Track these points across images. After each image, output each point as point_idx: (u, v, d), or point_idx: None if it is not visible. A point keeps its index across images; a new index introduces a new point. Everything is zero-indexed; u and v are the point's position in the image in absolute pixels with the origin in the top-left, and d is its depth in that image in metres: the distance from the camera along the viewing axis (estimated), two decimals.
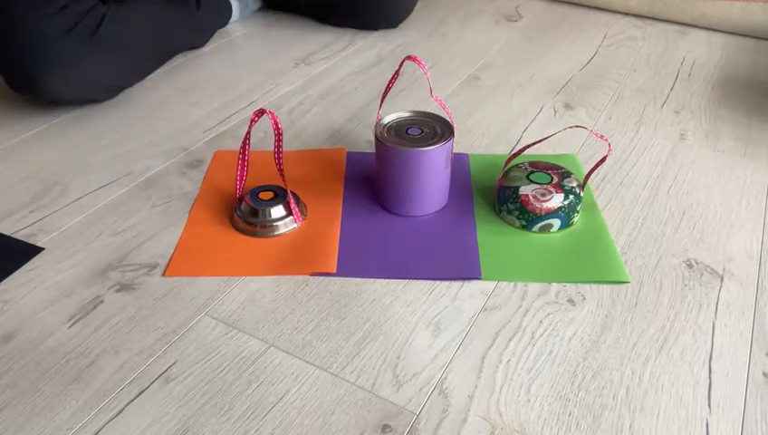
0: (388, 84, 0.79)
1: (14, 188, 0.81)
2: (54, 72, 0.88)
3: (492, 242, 0.72)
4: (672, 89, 1.06)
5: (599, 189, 0.81)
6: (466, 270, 0.68)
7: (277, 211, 0.73)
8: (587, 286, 0.67)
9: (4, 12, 0.86)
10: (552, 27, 1.29)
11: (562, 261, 0.70)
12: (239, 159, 0.74)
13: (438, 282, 0.67)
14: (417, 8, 1.35)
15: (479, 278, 0.67)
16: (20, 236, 0.73)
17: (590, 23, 1.31)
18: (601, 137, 0.69)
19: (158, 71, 1.09)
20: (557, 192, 0.72)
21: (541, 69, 1.12)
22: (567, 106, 1.00)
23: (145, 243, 0.72)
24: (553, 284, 0.67)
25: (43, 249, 0.71)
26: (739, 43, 1.23)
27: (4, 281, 0.67)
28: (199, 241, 0.72)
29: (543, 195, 0.72)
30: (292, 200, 0.74)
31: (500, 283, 0.67)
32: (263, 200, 0.74)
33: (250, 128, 0.72)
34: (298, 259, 0.70)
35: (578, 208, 0.74)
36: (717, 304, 0.65)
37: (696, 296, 0.66)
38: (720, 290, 0.67)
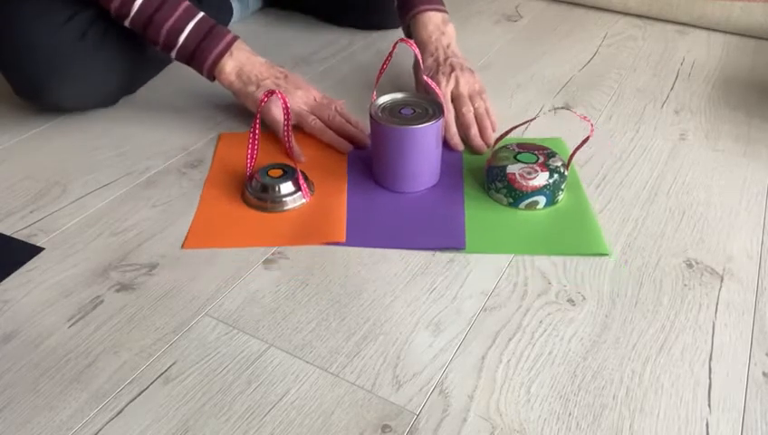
0: (382, 66, 0.81)
1: (14, 188, 0.81)
2: (64, 81, 0.89)
3: (479, 217, 0.76)
4: (672, 89, 1.06)
5: (599, 190, 0.81)
6: (452, 241, 0.72)
7: (286, 187, 0.77)
8: (587, 286, 0.67)
9: (13, 22, 0.86)
10: (551, 27, 1.29)
11: (546, 235, 0.73)
12: (249, 138, 0.77)
13: (438, 281, 0.67)
14: None
15: (463, 248, 0.71)
16: (20, 236, 0.73)
17: (590, 23, 1.31)
18: (584, 118, 0.72)
19: None
20: (542, 171, 0.76)
21: (541, 69, 1.12)
22: (567, 106, 1.00)
23: (145, 243, 0.72)
24: (553, 283, 0.67)
25: (43, 249, 0.71)
26: (739, 43, 1.23)
27: (4, 281, 0.67)
28: (214, 216, 0.76)
29: (530, 173, 0.75)
30: (300, 177, 0.77)
31: (500, 282, 0.67)
32: (273, 177, 0.77)
33: (260, 108, 0.75)
34: (309, 230, 0.74)
35: (562, 187, 0.77)
36: (717, 304, 0.65)
37: (696, 296, 0.66)
38: (720, 290, 0.67)
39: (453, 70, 0.90)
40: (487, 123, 0.89)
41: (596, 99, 1.02)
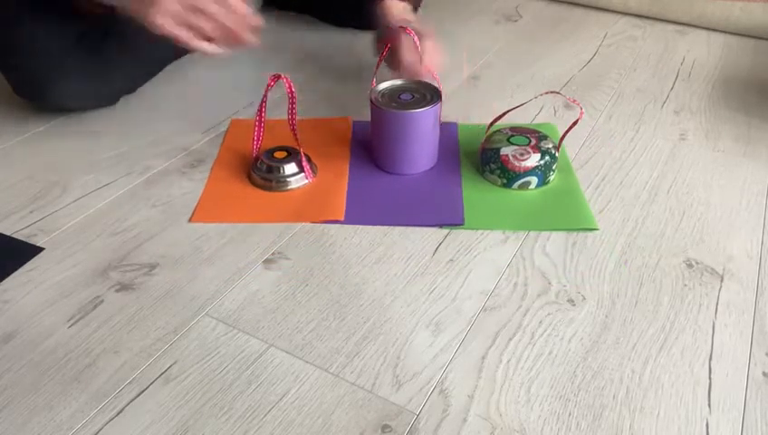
0: (382, 54, 0.85)
1: (14, 188, 0.81)
2: (63, 81, 0.89)
3: (475, 197, 0.79)
4: (672, 89, 1.06)
5: (598, 190, 0.81)
6: (451, 217, 0.76)
7: (290, 168, 0.81)
8: (587, 286, 0.67)
9: (12, 23, 0.86)
10: (552, 27, 1.29)
11: (538, 213, 0.77)
12: (256, 121, 0.82)
13: (438, 281, 0.67)
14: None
15: (462, 224, 0.74)
16: (20, 236, 0.73)
17: (590, 23, 1.31)
18: (574, 101, 0.79)
19: None
20: (534, 152, 0.79)
21: (541, 69, 1.12)
22: (567, 106, 1.00)
23: (145, 243, 0.72)
24: (553, 283, 0.67)
25: (43, 249, 0.71)
26: (739, 43, 1.23)
27: (4, 281, 0.67)
28: (221, 194, 0.80)
29: (522, 155, 0.79)
30: (303, 159, 0.81)
31: (500, 282, 0.67)
32: (277, 159, 0.81)
33: (266, 92, 0.78)
34: (310, 209, 0.77)
35: (553, 168, 0.81)
36: (717, 304, 0.65)
37: (696, 296, 0.66)
38: (720, 290, 0.67)
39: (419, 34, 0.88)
40: (428, 66, 0.86)
41: (596, 99, 1.02)
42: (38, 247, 0.72)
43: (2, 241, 0.72)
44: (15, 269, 0.69)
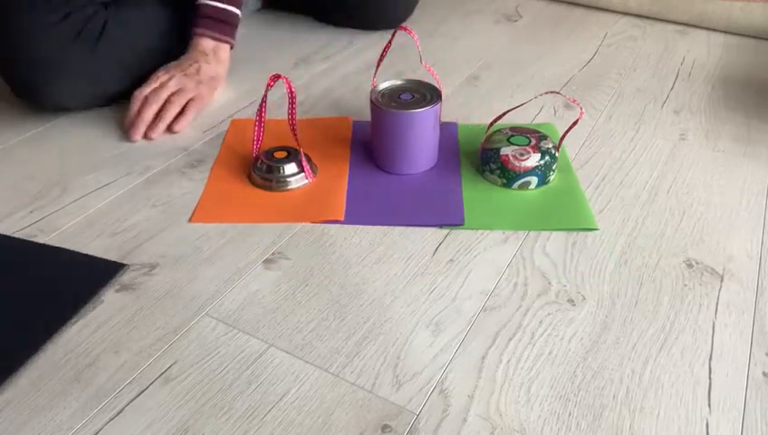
0: (382, 54, 0.85)
1: (14, 188, 0.81)
2: (60, 81, 0.89)
3: (475, 197, 0.79)
4: (672, 89, 1.06)
5: (598, 190, 0.81)
6: (451, 217, 0.76)
7: (290, 168, 0.81)
8: (587, 286, 0.67)
9: (9, 22, 0.86)
10: (551, 27, 1.29)
11: (538, 212, 0.77)
12: (256, 121, 0.82)
13: (438, 281, 0.67)
14: (416, 8, 1.34)
15: (462, 224, 0.74)
16: (20, 235, 0.73)
17: (590, 23, 1.31)
18: (574, 101, 0.79)
19: None
20: (534, 152, 0.79)
21: (541, 69, 1.12)
22: (567, 106, 1.00)
23: (145, 243, 0.72)
24: (553, 283, 0.67)
25: (127, 266, 0.69)
26: (739, 43, 1.23)
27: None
28: (221, 194, 0.80)
29: (522, 155, 0.79)
30: (303, 159, 0.81)
31: (500, 282, 0.67)
32: (277, 159, 0.81)
33: (266, 92, 0.78)
34: (310, 209, 0.77)
35: (554, 168, 0.81)
36: (717, 304, 0.65)
37: (696, 296, 0.66)
38: (720, 290, 0.67)
39: (172, 77, 0.93)
40: (161, 123, 0.90)
41: (596, 99, 1.02)
42: (122, 264, 0.68)
43: (81, 259, 0.69)
44: (101, 288, 0.65)
